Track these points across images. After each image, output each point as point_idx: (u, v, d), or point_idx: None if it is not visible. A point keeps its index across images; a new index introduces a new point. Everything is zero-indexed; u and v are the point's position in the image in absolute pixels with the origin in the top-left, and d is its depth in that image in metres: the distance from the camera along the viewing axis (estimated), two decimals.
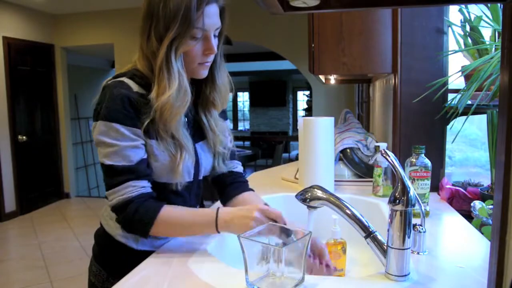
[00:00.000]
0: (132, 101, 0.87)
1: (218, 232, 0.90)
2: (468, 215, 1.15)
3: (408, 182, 0.75)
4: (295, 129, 10.92)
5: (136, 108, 0.88)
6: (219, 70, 1.00)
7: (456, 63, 1.37)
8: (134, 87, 0.90)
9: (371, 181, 1.40)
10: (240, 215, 0.88)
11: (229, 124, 1.16)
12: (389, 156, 0.77)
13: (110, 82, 0.91)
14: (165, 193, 0.97)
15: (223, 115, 1.12)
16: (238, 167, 1.16)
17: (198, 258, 0.88)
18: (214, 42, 0.92)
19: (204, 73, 0.96)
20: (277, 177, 1.75)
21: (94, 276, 1.05)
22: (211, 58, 0.94)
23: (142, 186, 0.89)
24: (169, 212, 0.90)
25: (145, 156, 0.91)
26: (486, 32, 1.24)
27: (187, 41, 0.88)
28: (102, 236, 1.04)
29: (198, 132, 1.04)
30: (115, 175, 0.88)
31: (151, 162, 0.92)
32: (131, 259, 0.91)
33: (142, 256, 0.91)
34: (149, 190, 0.91)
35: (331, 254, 1.00)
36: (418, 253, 0.89)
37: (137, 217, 0.87)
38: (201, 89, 1.02)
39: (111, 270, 1.02)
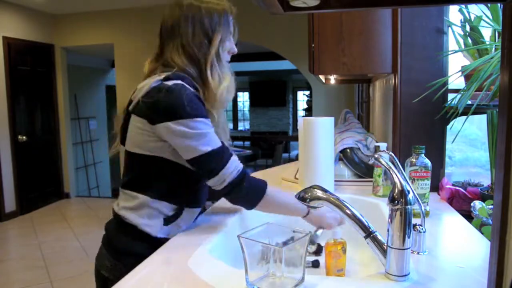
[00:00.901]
0: (199, 97, 1.00)
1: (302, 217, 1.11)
2: (468, 215, 1.15)
3: (408, 182, 0.75)
4: (295, 129, 10.92)
5: (203, 103, 1.00)
6: (230, 68, 1.15)
7: (456, 63, 1.37)
8: (190, 87, 1.01)
9: (371, 181, 1.40)
10: (327, 217, 1.12)
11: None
12: (382, 162, 0.77)
13: (172, 85, 0.97)
14: (196, 175, 1.04)
15: None
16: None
17: (198, 258, 0.88)
18: None
19: None
20: (277, 177, 1.74)
21: (108, 272, 1.04)
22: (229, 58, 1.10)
23: (238, 160, 1.02)
24: (272, 190, 1.06)
25: None
26: (486, 32, 1.24)
27: (228, 42, 1.07)
28: (120, 231, 1.05)
29: None
30: (219, 158, 0.97)
31: None
32: (148, 246, 0.97)
33: (157, 243, 0.98)
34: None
35: (331, 254, 1.00)
36: (418, 253, 0.89)
37: (252, 189, 1.02)
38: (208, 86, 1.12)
39: (131, 262, 0.98)
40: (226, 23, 1.05)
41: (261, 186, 1.04)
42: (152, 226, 1.02)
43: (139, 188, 1.04)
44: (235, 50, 1.10)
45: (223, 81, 1.04)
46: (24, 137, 4.99)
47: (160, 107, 0.96)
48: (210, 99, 1.03)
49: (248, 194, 1.02)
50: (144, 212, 1.02)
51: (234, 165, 0.99)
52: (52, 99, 5.56)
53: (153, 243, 1.00)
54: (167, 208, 1.04)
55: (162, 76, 1.00)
